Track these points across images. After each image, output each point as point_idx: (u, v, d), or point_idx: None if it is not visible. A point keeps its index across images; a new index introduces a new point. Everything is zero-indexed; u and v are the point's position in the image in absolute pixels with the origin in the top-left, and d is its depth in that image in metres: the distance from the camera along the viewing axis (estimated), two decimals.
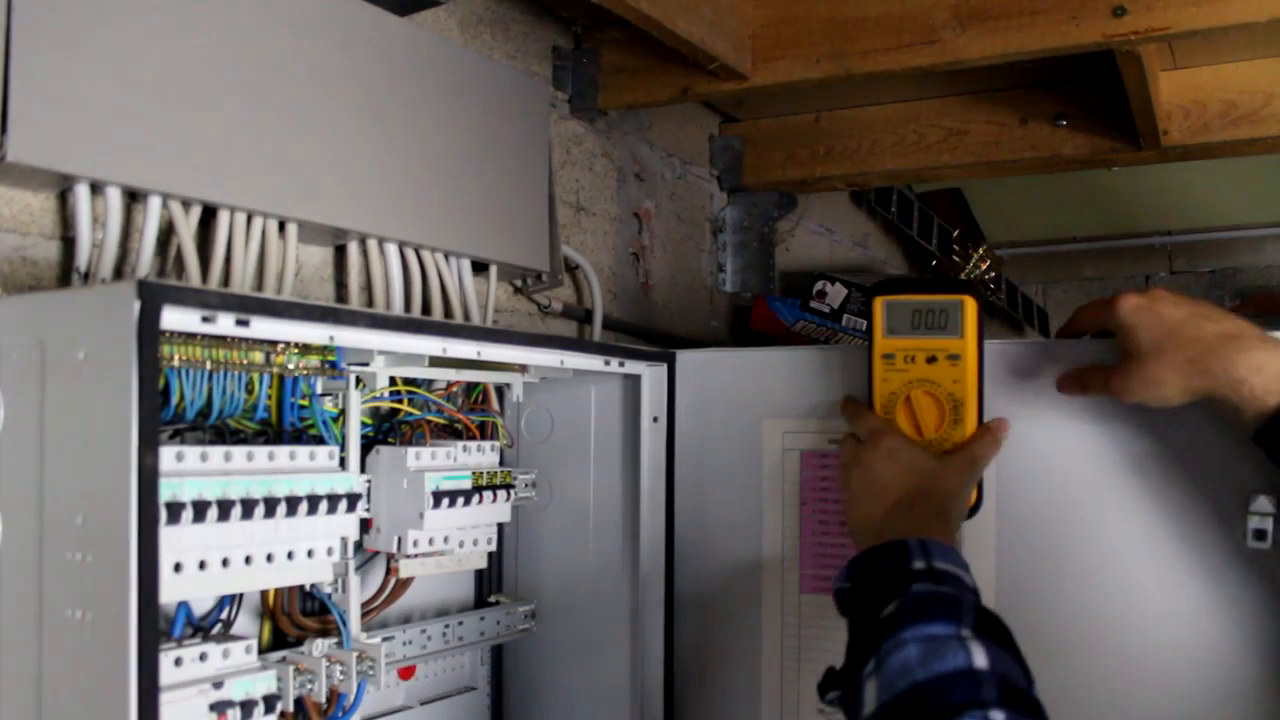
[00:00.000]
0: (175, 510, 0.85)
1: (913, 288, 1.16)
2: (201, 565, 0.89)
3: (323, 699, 1.07)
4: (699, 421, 1.34)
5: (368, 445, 1.15)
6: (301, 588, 1.10)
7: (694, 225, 2.10)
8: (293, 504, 0.96)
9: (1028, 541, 1.15)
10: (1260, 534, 1.04)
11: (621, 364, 1.30)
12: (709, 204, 2.16)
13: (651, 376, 1.35)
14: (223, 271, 1.09)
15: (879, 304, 1.15)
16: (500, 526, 1.28)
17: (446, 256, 1.35)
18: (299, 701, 1.07)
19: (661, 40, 1.48)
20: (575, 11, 1.66)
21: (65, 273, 1.02)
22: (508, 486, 1.23)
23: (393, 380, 1.15)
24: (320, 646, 1.07)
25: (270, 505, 0.93)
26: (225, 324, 0.84)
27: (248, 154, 1.09)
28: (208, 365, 0.93)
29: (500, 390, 1.34)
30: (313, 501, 0.97)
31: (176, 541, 0.86)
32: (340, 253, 1.28)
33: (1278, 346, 0.95)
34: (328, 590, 1.10)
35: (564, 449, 1.41)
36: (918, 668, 0.78)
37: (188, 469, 0.89)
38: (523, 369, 1.28)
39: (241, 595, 1.04)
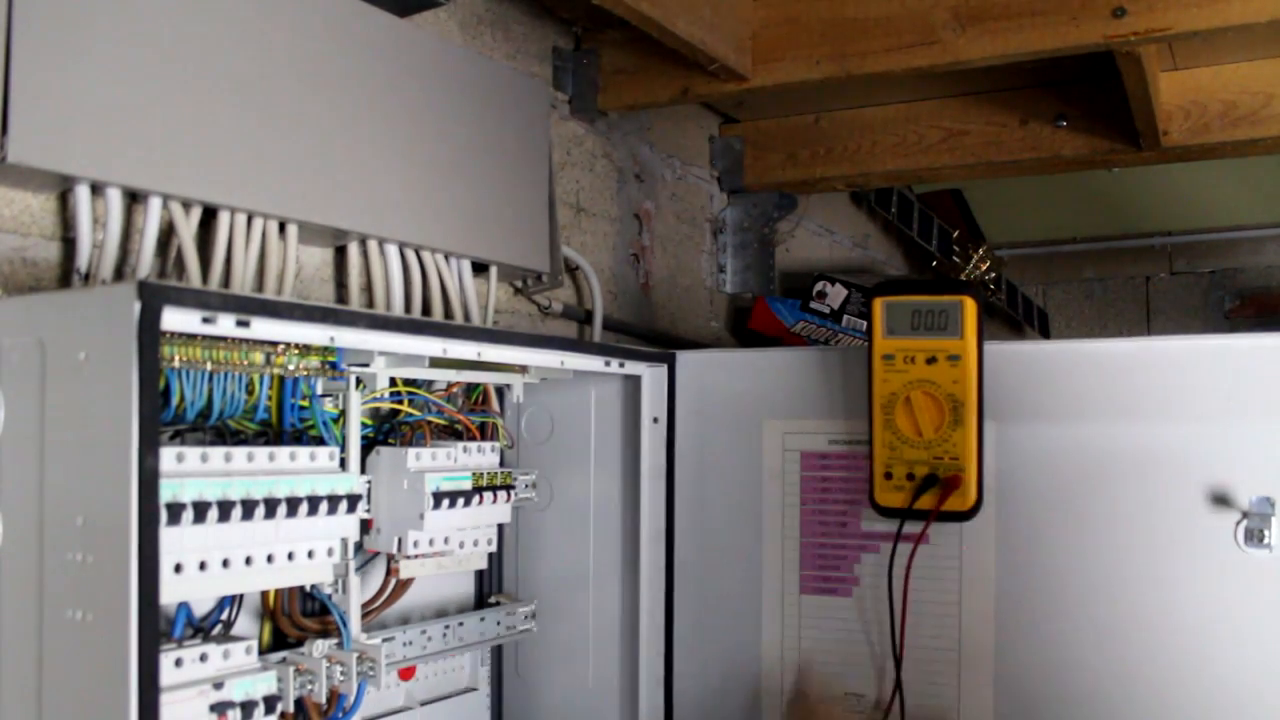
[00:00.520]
0: (176, 511, 0.85)
1: (912, 288, 1.16)
2: (202, 566, 0.89)
3: (323, 700, 1.07)
4: (699, 421, 1.34)
5: (368, 446, 1.15)
6: (302, 588, 1.10)
7: (694, 226, 2.10)
8: (293, 505, 0.96)
9: (1028, 541, 1.16)
10: (1251, 535, 1.04)
11: (621, 365, 1.30)
12: (709, 204, 2.16)
13: (651, 377, 1.35)
14: (223, 272, 1.09)
15: (879, 304, 1.16)
16: (500, 527, 1.28)
17: (447, 257, 1.35)
18: (299, 702, 1.07)
19: (661, 41, 1.48)
20: (575, 12, 1.66)
21: (66, 273, 1.02)
22: (508, 487, 1.23)
23: (393, 381, 1.15)
24: (320, 647, 1.07)
25: (270, 506, 0.93)
26: (225, 325, 0.84)
27: (248, 154, 1.09)
28: (208, 366, 0.93)
29: (500, 391, 1.34)
30: (313, 502, 0.97)
31: (177, 542, 0.86)
32: (340, 253, 1.28)
33: None
34: (328, 591, 1.10)
35: (564, 450, 1.41)
36: None
37: (188, 470, 0.89)
38: (523, 370, 1.28)
39: (242, 596, 1.04)
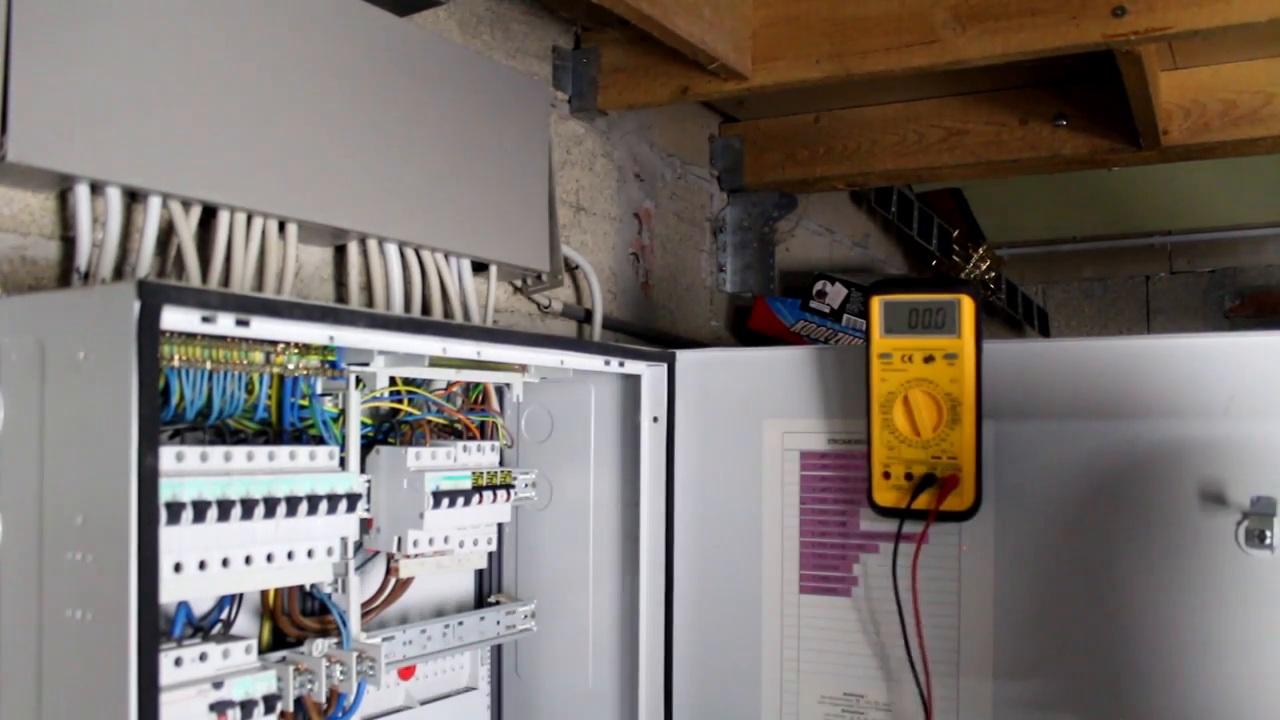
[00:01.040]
0: (175, 510, 0.85)
1: (910, 287, 1.16)
2: (201, 565, 0.89)
3: (323, 699, 1.07)
4: (699, 421, 1.34)
5: (368, 445, 1.15)
6: (301, 588, 1.10)
7: (694, 225, 2.10)
8: (293, 504, 0.96)
9: (1027, 541, 1.16)
10: (1251, 535, 1.04)
11: (621, 364, 1.30)
12: (709, 204, 2.16)
13: (651, 376, 1.35)
14: (223, 271, 1.09)
15: (876, 303, 1.16)
16: (500, 526, 1.28)
17: (446, 256, 1.35)
18: (299, 701, 1.07)
19: (661, 40, 1.48)
20: (575, 11, 1.66)
21: (65, 273, 1.02)
22: (508, 487, 1.23)
23: (393, 380, 1.15)
24: (320, 646, 1.07)
25: (270, 505, 0.93)
26: (225, 324, 0.84)
27: (248, 154, 1.09)
28: (208, 365, 0.93)
29: (500, 390, 1.34)
30: (313, 501, 0.97)
31: (176, 542, 0.86)
32: (340, 253, 1.28)
33: None
34: (328, 590, 1.10)
35: (564, 449, 1.41)
36: None
37: (188, 469, 0.89)
38: (523, 369, 1.28)
39: (241, 595, 1.04)
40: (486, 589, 1.41)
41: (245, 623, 1.07)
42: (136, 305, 0.75)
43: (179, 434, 0.98)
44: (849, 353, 1.25)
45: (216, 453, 0.91)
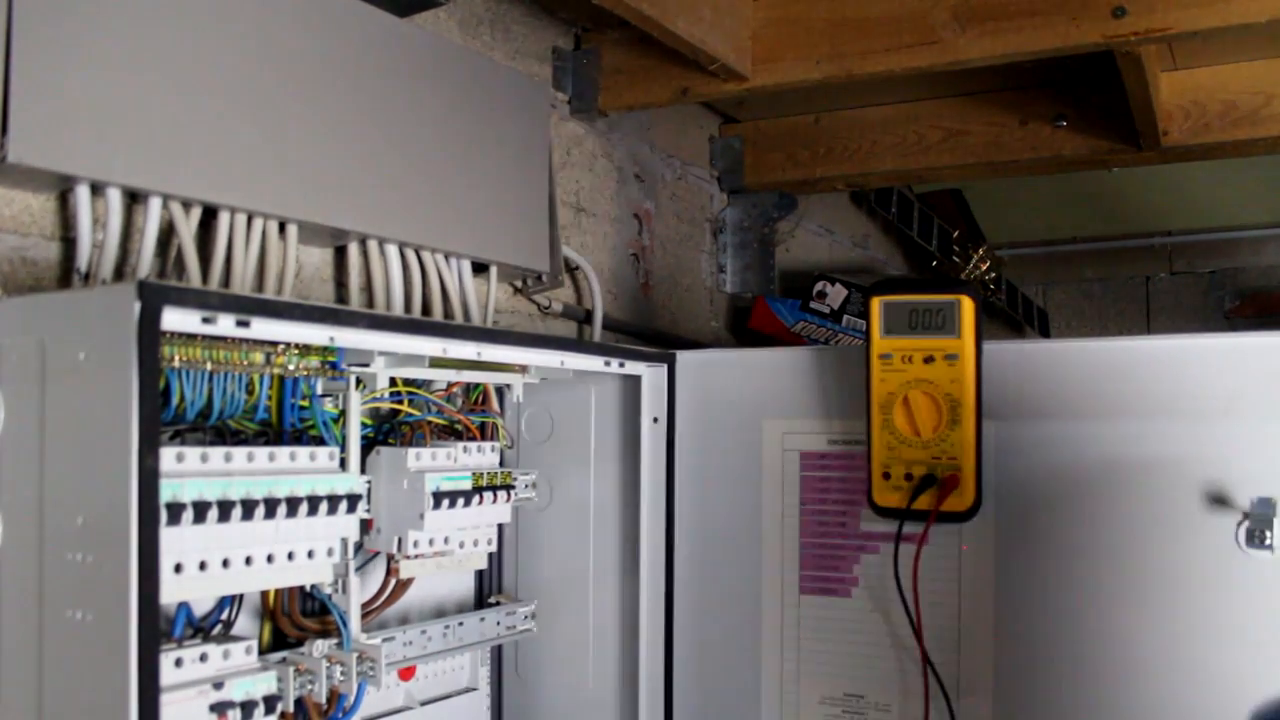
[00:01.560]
0: (176, 511, 0.85)
1: (910, 288, 1.16)
2: (202, 566, 0.89)
3: (323, 699, 1.07)
4: (699, 421, 1.34)
5: (368, 446, 1.15)
6: (302, 588, 1.10)
7: (694, 225, 2.10)
8: (293, 505, 0.96)
9: (1027, 542, 1.16)
10: (1252, 536, 1.04)
11: (621, 364, 1.30)
12: (709, 204, 2.16)
13: (651, 377, 1.35)
14: (223, 272, 1.09)
15: (876, 304, 1.16)
16: (500, 527, 1.28)
17: (447, 257, 1.35)
18: (299, 702, 1.07)
19: (661, 41, 1.48)
20: (575, 12, 1.66)
21: (66, 273, 1.02)
22: (508, 487, 1.23)
23: (393, 381, 1.15)
24: (320, 647, 1.07)
25: (270, 506, 0.93)
26: (225, 325, 0.84)
27: (248, 154, 1.09)
28: (208, 366, 0.93)
29: (500, 391, 1.34)
30: (313, 502, 0.97)
31: (177, 542, 0.86)
32: (340, 253, 1.28)
33: None
34: (328, 591, 1.10)
35: (564, 449, 1.41)
36: None
37: (188, 470, 0.89)
38: (523, 370, 1.28)
39: (242, 596, 1.04)
40: (486, 589, 1.41)
41: (245, 623, 1.07)
42: (137, 306, 0.75)
43: (179, 434, 0.98)
44: (849, 353, 1.25)
45: (217, 453, 0.91)
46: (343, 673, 1.08)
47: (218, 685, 0.92)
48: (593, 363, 1.27)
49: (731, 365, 1.34)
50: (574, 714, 1.40)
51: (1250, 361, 1.08)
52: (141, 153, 1.00)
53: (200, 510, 0.87)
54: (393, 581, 1.20)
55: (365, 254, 1.27)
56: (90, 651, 0.77)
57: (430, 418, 1.21)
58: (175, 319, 0.80)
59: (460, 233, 1.35)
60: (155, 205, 1.02)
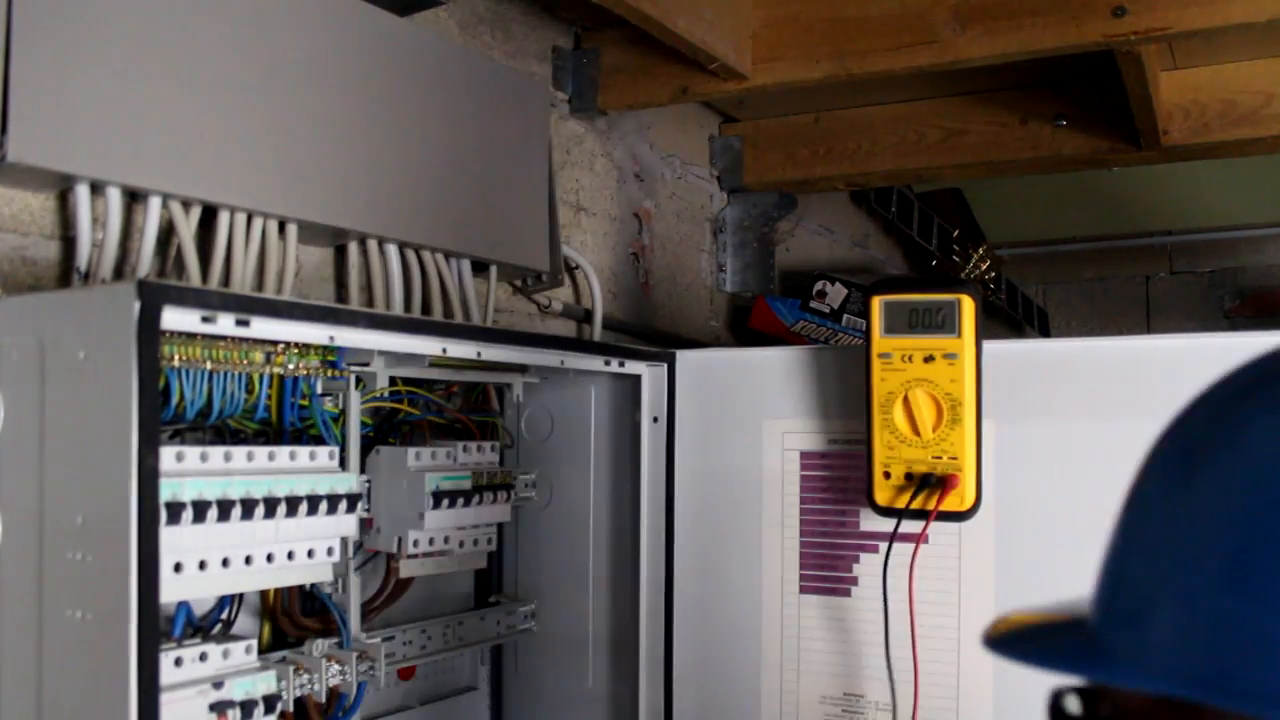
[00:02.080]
0: (175, 510, 0.85)
1: (910, 287, 1.16)
2: (202, 565, 0.89)
3: (323, 699, 1.07)
4: (699, 421, 1.34)
5: (368, 445, 1.15)
6: (302, 588, 1.10)
7: (694, 225, 2.10)
8: (293, 504, 0.96)
9: (1027, 542, 1.16)
10: None
11: (621, 364, 1.30)
12: (709, 204, 2.16)
13: (651, 376, 1.35)
14: (223, 271, 1.09)
15: (876, 303, 1.15)
16: (500, 526, 1.28)
17: (446, 257, 1.35)
18: (299, 701, 1.07)
19: (661, 40, 1.48)
20: (575, 12, 1.66)
21: (65, 273, 1.02)
22: (508, 486, 1.23)
23: (393, 380, 1.15)
24: (320, 646, 1.07)
25: (270, 505, 0.93)
26: (225, 324, 0.84)
27: (248, 154, 1.09)
28: (208, 365, 0.93)
29: (500, 390, 1.34)
30: (313, 502, 0.97)
31: (177, 542, 0.86)
32: (340, 253, 1.28)
33: None
34: (328, 590, 1.10)
35: (564, 449, 1.41)
36: None
37: (188, 469, 0.89)
38: (523, 369, 1.28)
39: (242, 595, 1.04)
40: (486, 589, 1.41)
41: (245, 623, 1.07)
42: (136, 305, 0.75)
43: (179, 434, 0.98)
44: (849, 353, 1.25)
45: (216, 453, 0.91)
46: (343, 672, 1.07)
47: (217, 685, 0.92)
48: (592, 362, 1.27)
49: (731, 365, 1.34)
50: (574, 714, 1.40)
51: None
52: (141, 152, 1.00)
53: (200, 510, 0.87)
54: (392, 581, 1.20)
55: (365, 254, 1.27)
56: (90, 651, 0.77)
57: (430, 417, 1.21)
58: (175, 318, 0.80)
59: (460, 232, 1.35)
60: (155, 204, 1.02)
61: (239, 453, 0.94)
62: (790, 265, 2.39)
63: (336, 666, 1.07)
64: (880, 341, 1.15)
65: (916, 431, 1.13)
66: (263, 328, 0.89)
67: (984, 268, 2.90)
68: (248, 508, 0.91)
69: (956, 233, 2.88)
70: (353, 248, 1.26)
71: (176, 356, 0.90)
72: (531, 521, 1.42)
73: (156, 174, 1.01)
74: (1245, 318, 3.39)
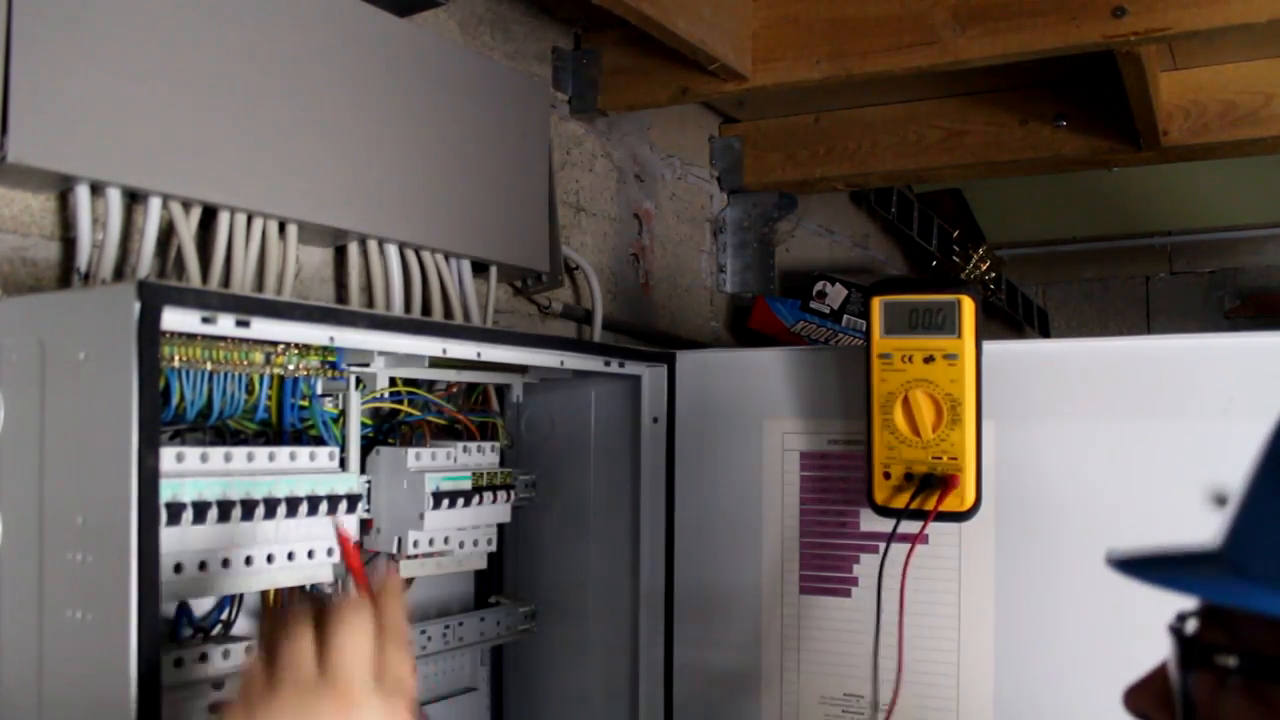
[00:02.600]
0: (176, 511, 0.85)
1: (910, 287, 1.16)
2: (202, 566, 0.89)
3: None
4: (699, 421, 1.34)
5: (368, 446, 1.15)
6: (302, 588, 1.10)
7: (694, 225, 2.10)
8: (293, 505, 0.96)
9: (1027, 542, 1.16)
10: None
11: (621, 365, 1.30)
12: (709, 204, 2.16)
13: (651, 377, 1.35)
14: (223, 272, 1.09)
15: (876, 304, 1.15)
16: (500, 527, 1.28)
17: (447, 257, 1.35)
18: None
19: (661, 41, 1.48)
20: (575, 12, 1.66)
21: (65, 273, 1.02)
22: (508, 487, 1.23)
23: (393, 381, 1.15)
24: None
25: (270, 506, 0.93)
26: (225, 325, 0.84)
27: (248, 154, 1.09)
28: (208, 366, 0.93)
29: (500, 391, 1.34)
30: (313, 502, 0.98)
31: (177, 542, 0.86)
32: (340, 253, 1.28)
33: None
34: (328, 590, 1.10)
35: (564, 450, 1.41)
36: None
37: (188, 469, 0.89)
38: (523, 370, 1.28)
39: (242, 596, 1.04)
40: (486, 589, 1.41)
41: (245, 623, 1.07)
42: (137, 306, 0.75)
43: (179, 434, 0.98)
44: (849, 353, 1.25)
45: (217, 453, 0.91)
46: None
47: (217, 685, 0.92)
48: (592, 363, 1.27)
49: (731, 365, 1.34)
50: (574, 714, 1.40)
51: (1250, 361, 1.08)
52: (141, 153, 1.00)
53: (200, 510, 0.87)
54: None
55: (365, 254, 1.27)
56: (90, 651, 0.77)
57: (430, 418, 1.21)
58: (175, 319, 0.80)
59: (460, 233, 1.35)
60: (155, 205, 1.02)
61: (239, 453, 0.94)
62: (790, 266, 2.39)
63: None
64: (880, 342, 1.15)
65: (916, 432, 1.13)
66: (263, 328, 0.89)
67: (984, 268, 2.90)
68: (248, 508, 0.91)
69: (956, 233, 2.88)
70: (353, 248, 1.26)
71: (176, 357, 0.90)
72: (531, 521, 1.42)
73: (156, 174, 1.01)
74: (1245, 318, 3.40)
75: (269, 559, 0.95)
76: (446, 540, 1.17)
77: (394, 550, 1.14)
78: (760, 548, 1.30)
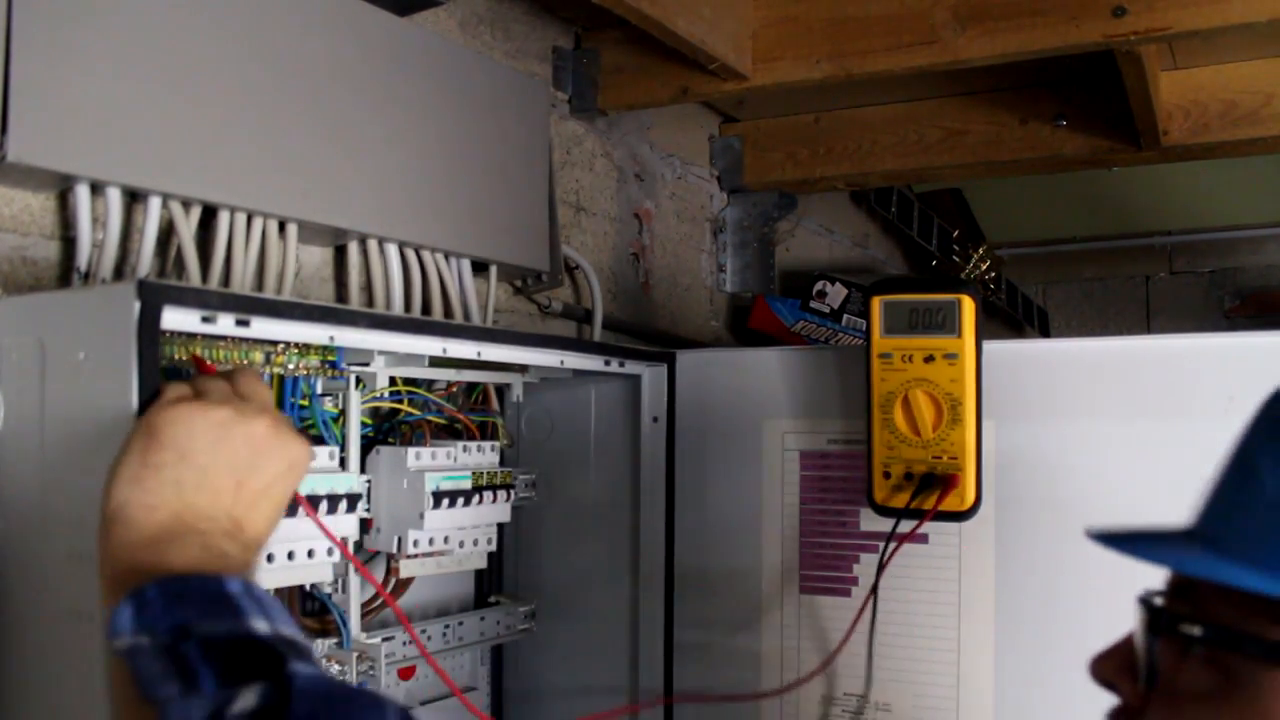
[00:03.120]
0: None
1: (910, 287, 1.16)
2: None
3: None
4: (699, 421, 1.34)
5: (368, 445, 1.15)
6: (302, 588, 1.10)
7: (694, 225, 2.10)
8: (293, 504, 0.96)
9: (1027, 541, 1.16)
10: None
11: (621, 364, 1.30)
12: (709, 204, 2.16)
13: (651, 376, 1.35)
14: (223, 271, 1.09)
15: (876, 303, 1.16)
16: (500, 526, 1.28)
17: (447, 256, 1.35)
18: None
19: (661, 40, 1.48)
20: (575, 12, 1.66)
21: (65, 273, 1.02)
22: (508, 486, 1.23)
23: (393, 380, 1.15)
24: (320, 647, 1.07)
25: None
26: (225, 324, 0.84)
27: (248, 154, 1.09)
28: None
29: (500, 390, 1.34)
30: (313, 501, 0.97)
31: None
32: (340, 253, 1.28)
33: None
34: (328, 590, 1.10)
35: (564, 449, 1.41)
36: None
37: None
38: (523, 369, 1.28)
39: None
40: (486, 589, 1.41)
41: None
42: (137, 305, 0.75)
43: None
44: (849, 353, 1.25)
45: None
46: (342, 672, 1.07)
47: None
48: (592, 362, 1.27)
49: (731, 365, 1.34)
50: (574, 714, 1.40)
51: (1250, 361, 1.08)
52: (141, 152, 1.00)
53: None
54: (392, 581, 1.20)
55: (365, 253, 1.27)
56: (90, 651, 0.77)
57: (430, 417, 1.21)
58: (175, 318, 0.80)
59: (460, 232, 1.35)
60: (155, 205, 1.02)
61: None
62: (790, 265, 2.39)
63: (336, 667, 1.07)
64: (880, 341, 1.15)
65: (916, 431, 1.13)
66: (263, 328, 0.89)
67: (984, 268, 2.90)
68: None
69: (956, 233, 2.88)
70: (353, 248, 1.26)
71: (177, 356, 0.90)
72: (531, 521, 1.42)
73: (156, 173, 1.01)
74: (1245, 318, 3.40)
75: (269, 558, 0.95)
76: (446, 540, 1.17)
77: (394, 550, 1.14)
78: (760, 547, 1.30)
